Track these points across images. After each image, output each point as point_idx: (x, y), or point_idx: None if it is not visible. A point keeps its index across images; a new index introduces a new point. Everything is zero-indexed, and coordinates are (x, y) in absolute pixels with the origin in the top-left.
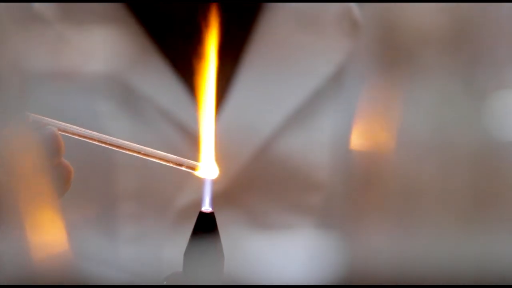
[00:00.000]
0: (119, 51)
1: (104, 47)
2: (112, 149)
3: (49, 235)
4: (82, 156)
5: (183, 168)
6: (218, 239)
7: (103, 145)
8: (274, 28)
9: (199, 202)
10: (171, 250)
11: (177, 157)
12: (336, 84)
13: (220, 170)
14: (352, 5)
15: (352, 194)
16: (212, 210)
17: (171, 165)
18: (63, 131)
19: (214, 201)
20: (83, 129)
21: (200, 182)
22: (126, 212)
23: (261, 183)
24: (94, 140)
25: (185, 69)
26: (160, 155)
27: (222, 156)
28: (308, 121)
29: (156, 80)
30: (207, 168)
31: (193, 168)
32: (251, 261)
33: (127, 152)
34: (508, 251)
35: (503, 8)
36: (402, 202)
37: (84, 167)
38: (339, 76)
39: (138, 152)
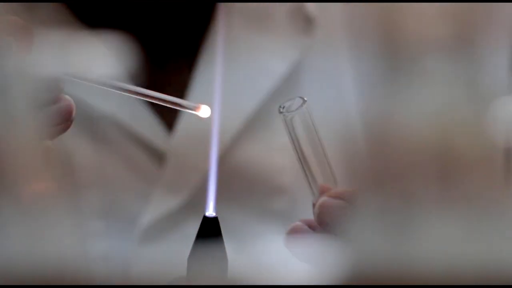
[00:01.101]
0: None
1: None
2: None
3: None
4: None
5: (183, 109)
6: (222, 243)
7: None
8: (227, 29)
9: (165, 219)
10: (138, 267)
11: (176, 98)
12: (293, 83)
13: (183, 180)
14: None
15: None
16: (216, 215)
17: (170, 106)
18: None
19: (178, 213)
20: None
21: (164, 198)
22: (92, 230)
23: (224, 191)
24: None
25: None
26: (157, 96)
27: (182, 166)
28: (267, 124)
29: (116, 97)
30: (204, 108)
31: (193, 109)
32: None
33: (125, 93)
34: (509, 251)
35: (507, 12)
36: (402, 206)
37: None
38: (296, 74)
39: (136, 93)
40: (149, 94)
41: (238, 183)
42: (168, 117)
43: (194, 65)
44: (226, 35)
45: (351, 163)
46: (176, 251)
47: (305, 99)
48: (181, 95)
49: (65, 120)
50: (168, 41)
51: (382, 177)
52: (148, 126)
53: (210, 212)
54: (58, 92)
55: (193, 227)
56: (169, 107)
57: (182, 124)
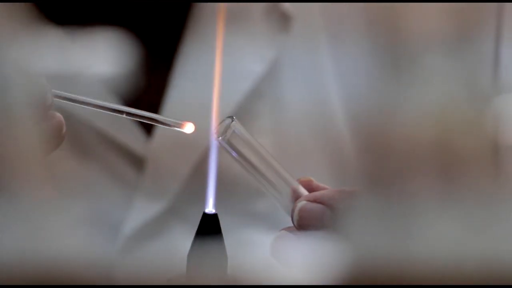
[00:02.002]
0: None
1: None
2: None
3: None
4: None
5: (167, 126)
6: (221, 240)
7: (94, 108)
8: (203, 29)
9: (147, 225)
10: (122, 275)
11: (164, 117)
12: (272, 82)
13: (163, 186)
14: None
15: None
16: (216, 212)
17: (158, 125)
18: (57, 97)
19: (160, 219)
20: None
21: (145, 204)
22: (75, 238)
23: (205, 194)
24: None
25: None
26: (147, 116)
27: (161, 171)
28: (246, 126)
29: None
30: (188, 125)
31: (177, 126)
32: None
33: (116, 114)
34: (508, 248)
35: (508, 9)
36: (401, 204)
37: None
38: (275, 73)
39: (121, 112)
40: (134, 113)
41: (220, 186)
42: (146, 123)
43: (172, 66)
44: (202, 36)
45: (338, 161)
46: (160, 257)
47: (234, 117)
48: (160, 97)
49: (55, 138)
50: (144, 43)
51: (380, 174)
52: (127, 131)
53: (210, 208)
54: (47, 109)
55: (176, 233)
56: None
57: (160, 129)
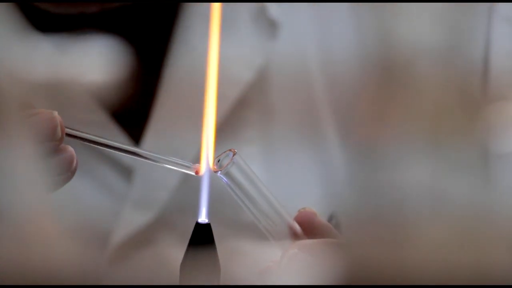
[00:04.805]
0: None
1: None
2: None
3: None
4: None
5: (178, 169)
6: (214, 250)
7: (105, 148)
8: (190, 35)
9: (136, 236)
10: (110, 285)
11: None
12: (260, 90)
13: (151, 196)
14: (268, 4)
15: None
16: (208, 222)
17: (165, 165)
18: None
19: (149, 230)
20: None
21: (133, 215)
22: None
23: (193, 204)
24: (94, 143)
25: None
26: (157, 159)
27: (149, 182)
28: (233, 134)
29: (81, 114)
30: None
31: (189, 169)
32: None
33: (128, 155)
34: (505, 256)
35: (497, 19)
36: (394, 213)
37: None
38: (263, 81)
39: (138, 155)
40: (142, 154)
41: (210, 195)
42: (134, 132)
43: (160, 74)
44: (190, 42)
45: (327, 170)
46: (149, 267)
47: (235, 151)
48: (148, 104)
49: (65, 171)
50: (132, 51)
51: (370, 184)
52: (115, 142)
53: (203, 218)
54: (59, 142)
55: (165, 243)
56: (138, 122)
57: (148, 139)
